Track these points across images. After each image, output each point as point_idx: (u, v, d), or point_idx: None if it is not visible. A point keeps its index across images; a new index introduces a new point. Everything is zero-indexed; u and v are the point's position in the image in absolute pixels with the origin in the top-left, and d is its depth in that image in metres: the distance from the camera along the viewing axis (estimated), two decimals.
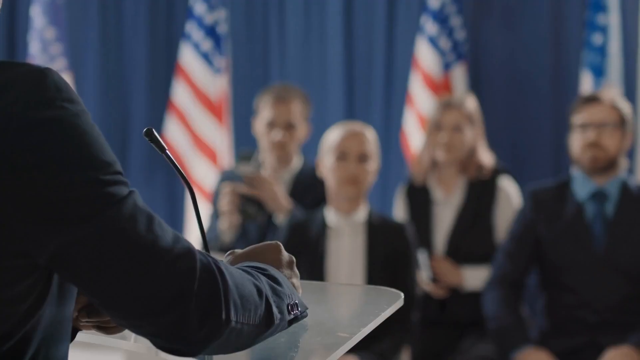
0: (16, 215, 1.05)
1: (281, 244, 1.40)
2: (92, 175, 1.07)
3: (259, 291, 1.21)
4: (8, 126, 1.04)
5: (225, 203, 3.54)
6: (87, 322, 1.35)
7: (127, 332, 1.38)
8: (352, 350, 1.68)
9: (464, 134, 3.67)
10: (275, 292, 1.25)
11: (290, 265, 1.40)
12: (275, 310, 1.23)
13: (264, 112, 3.69)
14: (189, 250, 1.14)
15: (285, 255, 1.40)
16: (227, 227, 3.56)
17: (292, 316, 1.28)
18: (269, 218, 3.58)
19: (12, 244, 1.06)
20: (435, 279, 3.58)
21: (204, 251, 1.18)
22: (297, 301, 1.30)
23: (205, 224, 3.65)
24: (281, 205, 3.51)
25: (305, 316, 1.33)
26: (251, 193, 3.53)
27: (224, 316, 1.14)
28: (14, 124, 1.04)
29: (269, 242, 1.41)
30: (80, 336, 1.39)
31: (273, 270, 1.30)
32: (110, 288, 1.10)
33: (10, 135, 1.04)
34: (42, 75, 1.07)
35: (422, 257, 3.56)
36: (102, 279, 1.09)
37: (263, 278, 1.25)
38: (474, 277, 3.57)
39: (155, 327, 1.13)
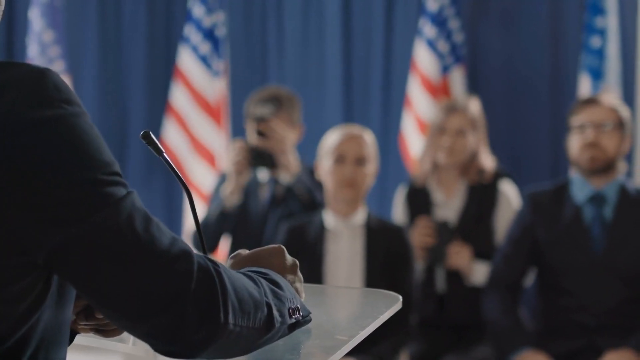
0: (15, 214, 1.05)
1: (284, 248, 1.40)
2: (90, 175, 1.07)
3: (259, 294, 1.20)
4: (7, 126, 1.04)
5: (235, 155, 3.52)
6: (85, 324, 1.34)
7: (125, 334, 1.38)
8: (351, 353, 1.68)
9: (467, 139, 3.66)
10: (276, 296, 1.24)
11: (293, 269, 1.39)
12: (275, 313, 1.22)
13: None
14: (186, 252, 1.13)
15: (289, 259, 1.39)
16: (231, 190, 3.54)
17: (293, 320, 1.27)
18: (274, 181, 3.57)
19: (11, 242, 1.06)
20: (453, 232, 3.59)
21: (202, 254, 1.17)
22: (298, 305, 1.29)
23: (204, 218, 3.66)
24: (289, 161, 3.51)
25: (309, 321, 1.32)
26: (261, 146, 3.52)
27: (222, 318, 1.13)
28: (13, 124, 1.05)
29: (272, 245, 1.40)
30: (79, 339, 1.39)
31: (274, 275, 1.30)
32: (106, 287, 1.10)
33: (9, 136, 1.04)
34: (42, 75, 1.08)
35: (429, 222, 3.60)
36: (98, 278, 1.09)
37: (263, 282, 1.24)
38: (479, 272, 3.57)
39: (152, 328, 1.12)
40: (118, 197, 1.09)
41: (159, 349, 1.16)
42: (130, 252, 1.09)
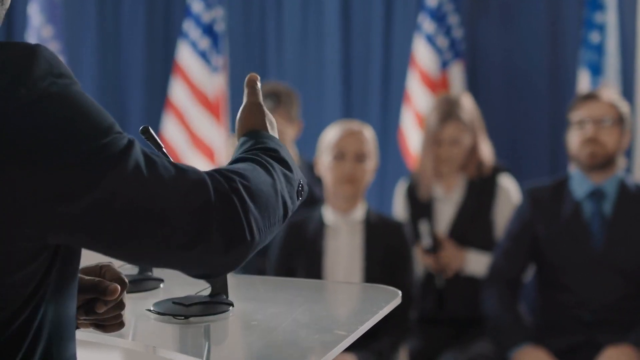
0: (25, 197, 1.05)
1: (261, 104, 1.48)
2: (91, 144, 1.09)
3: (276, 191, 1.26)
4: (4, 108, 1.05)
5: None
6: (85, 319, 1.35)
7: (124, 330, 1.38)
8: (351, 349, 1.68)
9: (463, 144, 3.65)
10: (288, 181, 1.30)
11: (271, 121, 1.47)
12: (289, 203, 1.29)
13: None
14: (199, 181, 1.16)
15: (267, 113, 1.48)
16: None
17: (299, 200, 1.34)
18: None
19: (23, 227, 1.06)
20: (434, 249, 3.58)
21: (216, 171, 1.20)
22: (302, 181, 1.36)
23: None
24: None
25: (307, 191, 1.38)
26: None
27: (248, 237, 1.18)
28: (8, 107, 1.05)
29: (246, 104, 1.49)
30: (78, 334, 1.38)
31: (281, 149, 1.35)
32: (131, 243, 1.12)
33: (7, 118, 1.05)
34: (32, 53, 1.09)
35: (423, 226, 3.57)
36: (121, 237, 1.11)
37: (277, 167, 1.30)
38: (477, 262, 3.57)
39: (183, 261, 1.17)
40: (119, 154, 1.11)
41: (193, 274, 1.22)
42: (144, 202, 1.11)
